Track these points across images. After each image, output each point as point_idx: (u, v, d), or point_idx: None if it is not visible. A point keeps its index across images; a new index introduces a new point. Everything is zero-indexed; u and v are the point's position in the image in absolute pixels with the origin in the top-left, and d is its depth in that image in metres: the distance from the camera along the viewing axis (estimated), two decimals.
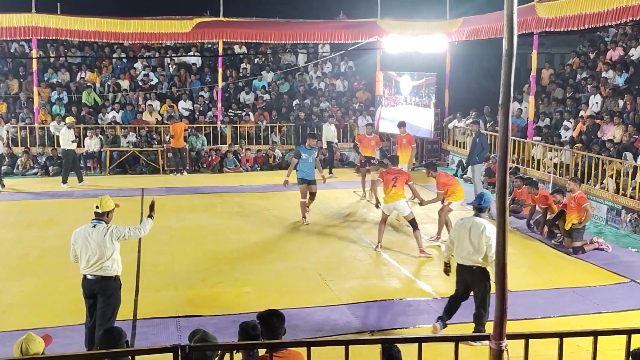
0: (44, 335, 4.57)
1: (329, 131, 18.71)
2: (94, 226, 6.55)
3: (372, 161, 14.56)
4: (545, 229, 11.63)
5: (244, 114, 20.29)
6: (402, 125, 15.10)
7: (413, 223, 10.49)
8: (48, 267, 9.70)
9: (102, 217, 6.62)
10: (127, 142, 18.32)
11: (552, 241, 11.37)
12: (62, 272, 9.50)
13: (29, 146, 18.16)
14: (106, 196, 6.84)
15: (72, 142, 15.98)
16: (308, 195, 12.51)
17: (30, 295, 8.30)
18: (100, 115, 19.51)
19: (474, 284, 7.09)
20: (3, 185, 15.55)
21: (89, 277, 6.55)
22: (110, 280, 6.57)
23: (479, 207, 7.37)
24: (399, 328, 7.55)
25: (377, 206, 12.28)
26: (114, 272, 6.57)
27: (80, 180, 16.18)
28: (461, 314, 8.01)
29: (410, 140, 14.86)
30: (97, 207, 6.65)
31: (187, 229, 12.08)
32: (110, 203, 6.74)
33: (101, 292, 6.52)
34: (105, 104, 20.01)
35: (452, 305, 7.35)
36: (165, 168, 18.18)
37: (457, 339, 3.79)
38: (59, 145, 18.26)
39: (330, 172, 17.64)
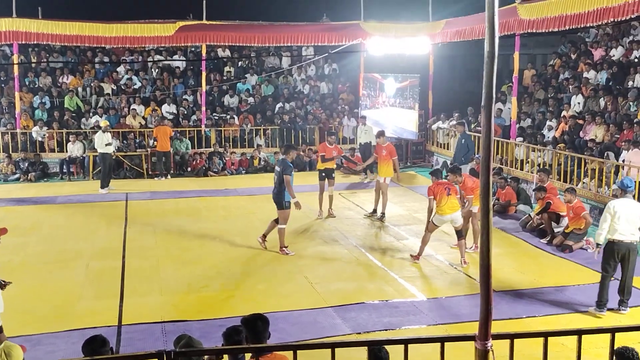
0: (21, 345, 4.54)
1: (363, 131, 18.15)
2: None
3: (333, 175, 13.63)
4: (560, 239, 11.18)
5: (228, 117, 20.23)
6: (381, 134, 13.56)
7: (460, 233, 10.17)
8: (30, 274, 9.59)
9: None
10: (112, 146, 18.15)
11: (542, 240, 11.47)
12: (45, 278, 9.42)
13: (10, 152, 17.97)
14: None
15: (107, 145, 15.88)
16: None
17: (13, 301, 8.17)
18: (83, 119, 19.36)
19: (632, 257, 8.03)
20: None
21: None
22: None
23: (628, 189, 8.22)
24: (386, 330, 7.55)
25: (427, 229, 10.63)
26: None
27: (103, 186, 15.88)
28: (448, 315, 8.04)
29: (391, 151, 13.22)
30: None
31: (172, 233, 12.01)
32: None
33: None
34: (87, 108, 19.85)
35: (606, 286, 8.09)
36: (150, 172, 18.07)
37: (442, 340, 3.79)
38: (42, 151, 18.20)
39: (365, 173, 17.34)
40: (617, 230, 7.94)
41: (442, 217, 10.07)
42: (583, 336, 3.84)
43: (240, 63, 22.67)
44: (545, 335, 3.86)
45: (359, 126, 18.58)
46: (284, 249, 10.68)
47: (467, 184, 10.71)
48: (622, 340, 4.22)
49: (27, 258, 10.40)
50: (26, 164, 17.66)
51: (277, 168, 10.80)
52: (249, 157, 19.03)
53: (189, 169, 18.48)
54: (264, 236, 10.90)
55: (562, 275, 9.71)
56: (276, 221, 10.73)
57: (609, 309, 8.10)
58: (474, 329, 3.76)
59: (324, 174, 13.50)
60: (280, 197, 10.55)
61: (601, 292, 8.09)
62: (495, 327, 3.72)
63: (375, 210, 13.35)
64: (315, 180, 13.69)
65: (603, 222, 8.01)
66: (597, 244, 8.28)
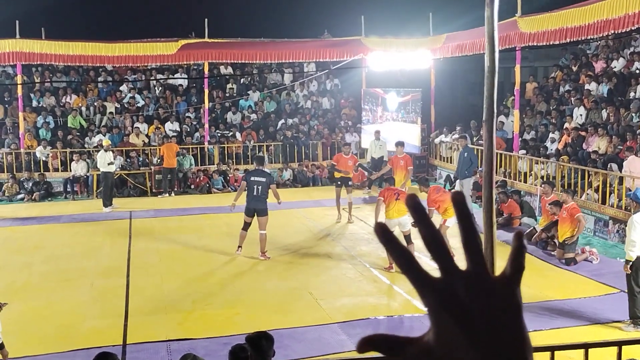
0: None
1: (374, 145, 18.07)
2: None
3: (350, 182, 14.13)
4: (559, 252, 11.11)
5: (230, 134, 20.29)
6: (400, 144, 14.75)
7: (408, 239, 10.27)
8: (34, 293, 9.59)
9: None
10: (115, 165, 18.22)
11: (545, 251, 11.44)
12: (49, 298, 9.41)
13: (15, 172, 18.03)
14: None
15: (109, 164, 15.97)
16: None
17: (17, 321, 8.18)
18: (87, 138, 19.43)
19: None
20: None
21: None
22: None
23: None
24: None
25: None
26: None
27: (106, 204, 15.91)
28: None
29: (407, 162, 14.46)
30: None
31: (175, 250, 12.00)
32: None
33: None
34: (91, 127, 19.94)
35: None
36: (154, 190, 18.11)
37: None
38: (46, 170, 18.26)
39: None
40: None
41: (389, 220, 10.23)
42: (590, 349, 3.82)
43: (242, 80, 22.78)
44: (552, 349, 3.83)
45: (373, 140, 18.45)
46: (266, 254, 11.20)
47: (431, 196, 10.90)
48: (629, 352, 4.19)
49: (32, 277, 10.40)
50: (30, 184, 17.70)
51: (259, 179, 11.14)
52: None
53: (192, 186, 18.50)
54: (262, 252, 11.22)
55: (568, 287, 9.66)
56: (245, 229, 11.24)
57: (615, 322, 8.05)
58: None
59: (339, 182, 14.09)
60: (266, 204, 11.13)
61: (634, 308, 7.95)
62: None
63: None
64: (318, 196, 13.83)
65: (634, 238, 7.78)
66: (627, 261, 7.97)
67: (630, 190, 11.10)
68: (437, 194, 10.97)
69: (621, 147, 13.87)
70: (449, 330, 0.62)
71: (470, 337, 0.61)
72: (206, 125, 19.84)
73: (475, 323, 0.62)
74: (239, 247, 11.35)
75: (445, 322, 0.62)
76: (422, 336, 0.64)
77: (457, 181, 15.93)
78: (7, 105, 20.09)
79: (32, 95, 20.56)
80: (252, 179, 11.18)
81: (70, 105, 20.40)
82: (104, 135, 19.05)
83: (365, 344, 0.63)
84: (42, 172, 18.09)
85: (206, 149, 19.64)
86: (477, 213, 14.32)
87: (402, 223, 10.29)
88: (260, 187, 11.06)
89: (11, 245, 12.45)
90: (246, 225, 11.26)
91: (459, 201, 0.67)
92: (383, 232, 0.64)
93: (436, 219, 11.31)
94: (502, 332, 0.62)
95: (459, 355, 0.61)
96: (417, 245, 10.97)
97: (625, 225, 11.86)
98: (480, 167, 16.22)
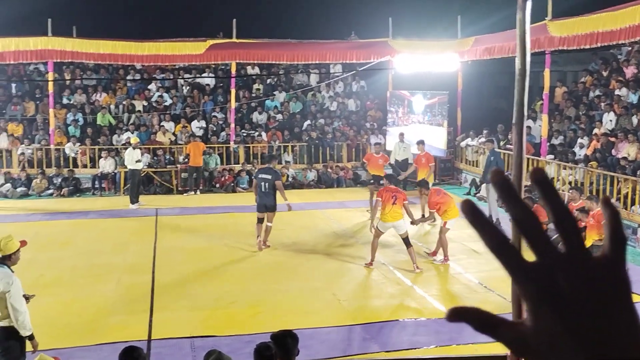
0: (54, 357, 4.62)
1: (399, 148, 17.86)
2: None
3: (381, 181, 14.37)
4: None
5: (256, 134, 20.40)
6: (421, 142, 15.30)
7: (407, 241, 10.50)
8: (62, 288, 9.75)
9: (4, 260, 5.90)
10: (142, 163, 18.42)
11: None
12: (77, 292, 9.57)
13: (44, 167, 18.35)
14: (9, 236, 6.10)
15: (137, 161, 16.18)
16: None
17: (45, 315, 8.31)
18: (115, 136, 19.70)
19: None
20: None
21: None
22: (7, 332, 5.88)
23: None
24: (415, 348, 7.49)
25: (371, 230, 11.48)
26: (8, 322, 5.85)
27: (133, 201, 16.15)
28: (478, 334, 7.94)
29: (429, 159, 14.98)
30: None
31: (200, 249, 12.10)
32: (12, 244, 5.98)
33: None
34: (119, 125, 20.21)
35: None
36: (179, 188, 18.29)
37: (475, 359, 3.76)
38: (75, 167, 18.55)
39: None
40: None
41: (384, 223, 10.46)
42: None
43: (269, 80, 22.89)
44: None
45: (397, 143, 18.37)
46: (267, 243, 11.85)
47: (432, 198, 11.06)
48: None
49: (60, 272, 10.58)
50: (59, 180, 18.00)
51: (265, 176, 11.75)
52: None
53: (217, 185, 18.64)
54: (264, 242, 11.85)
55: None
56: (260, 223, 11.80)
57: None
58: (504, 349, 3.72)
59: (372, 180, 15.04)
60: (274, 201, 11.69)
61: None
62: None
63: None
64: (342, 197, 13.92)
65: None
66: None
67: None
68: (438, 196, 11.13)
69: None
70: (548, 321, 0.57)
71: (571, 329, 0.56)
72: (232, 125, 19.98)
73: (577, 313, 0.56)
74: (257, 236, 11.87)
75: (544, 312, 0.57)
76: (521, 322, 0.59)
77: (483, 185, 15.84)
78: (38, 102, 20.46)
79: (63, 92, 20.90)
80: (260, 176, 11.89)
81: (99, 103, 20.70)
82: (132, 133, 19.29)
83: (456, 315, 0.60)
84: (71, 168, 18.38)
85: (232, 149, 19.77)
86: (503, 218, 14.30)
87: (397, 227, 10.44)
88: (267, 184, 11.65)
89: (40, 240, 12.64)
90: (260, 220, 11.88)
91: (540, 179, 0.62)
92: (471, 211, 0.59)
93: (431, 222, 11.26)
94: (609, 321, 0.56)
95: (558, 349, 0.56)
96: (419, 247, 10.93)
97: None
98: (508, 171, 16.12)
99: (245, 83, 22.39)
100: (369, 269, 10.72)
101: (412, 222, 10.85)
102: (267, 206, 11.68)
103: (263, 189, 11.66)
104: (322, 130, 20.77)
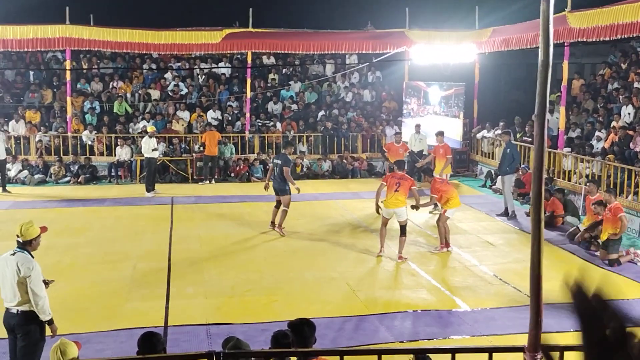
0: (75, 342, 4.68)
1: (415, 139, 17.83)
2: (14, 254, 5.90)
3: (391, 166, 14.44)
4: (603, 252, 10.89)
5: (271, 123, 20.41)
6: (440, 134, 15.33)
7: (404, 229, 10.73)
8: (79, 274, 9.87)
9: (25, 245, 5.93)
10: (158, 151, 18.52)
11: (588, 251, 11.27)
12: (93, 278, 9.67)
13: (61, 155, 18.51)
14: (30, 222, 6.09)
15: (154, 150, 16.32)
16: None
17: (63, 301, 8.43)
18: (131, 124, 19.81)
19: None
20: (5, 190, 15.96)
21: (8, 310, 5.98)
22: (27, 316, 5.91)
23: None
24: (429, 339, 7.50)
25: (377, 212, 11.78)
26: (28, 307, 5.90)
27: (149, 190, 16.28)
28: (493, 326, 7.94)
29: (446, 150, 15.03)
30: (17, 235, 5.94)
31: (216, 237, 12.17)
32: (33, 230, 5.98)
33: (18, 329, 5.94)
34: (135, 113, 20.31)
35: None
36: (195, 177, 18.38)
37: (491, 350, 3.76)
38: (92, 154, 18.70)
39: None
40: None
41: (387, 209, 10.73)
42: None
43: (284, 70, 22.87)
44: None
45: (413, 134, 18.30)
46: (282, 228, 12.29)
47: (435, 184, 11.27)
48: None
49: (77, 259, 10.69)
50: (76, 167, 18.15)
51: (277, 161, 12.30)
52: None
53: (232, 175, 18.71)
54: (273, 223, 12.45)
55: (610, 289, 9.44)
56: (277, 207, 12.38)
57: None
58: (519, 341, 3.74)
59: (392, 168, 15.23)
60: (283, 185, 12.13)
61: None
62: (542, 340, 3.67)
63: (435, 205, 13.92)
64: (356, 188, 13.96)
65: None
66: None
67: None
68: (441, 184, 11.38)
69: None
70: None
71: None
72: (247, 115, 20.01)
73: None
74: (272, 221, 12.50)
75: None
76: None
77: (499, 177, 15.76)
78: (55, 90, 20.60)
79: (79, 80, 21.02)
80: (274, 161, 12.55)
81: (116, 91, 20.80)
82: (148, 122, 19.38)
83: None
84: (87, 156, 18.52)
85: (247, 138, 19.81)
86: (519, 210, 14.24)
87: (398, 213, 10.66)
88: (277, 169, 12.21)
89: (57, 227, 12.77)
90: (277, 203, 12.44)
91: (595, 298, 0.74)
92: (579, 297, 0.69)
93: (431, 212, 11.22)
94: None
95: None
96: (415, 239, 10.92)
97: None
98: (524, 163, 16.04)
99: (260, 73, 22.39)
100: (380, 258, 10.80)
101: (413, 207, 10.95)
102: (276, 190, 12.26)
103: (274, 174, 12.29)
104: (337, 121, 20.74)
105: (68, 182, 17.80)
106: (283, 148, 13.43)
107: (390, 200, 10.63)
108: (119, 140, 18.57)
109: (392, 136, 16.95)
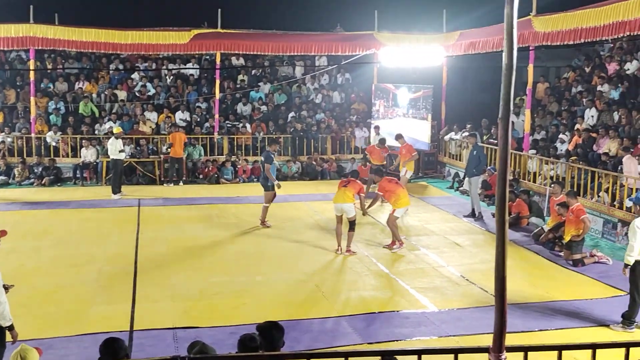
0: (36, 348, 4.57)
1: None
2: None
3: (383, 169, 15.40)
4: (566, 253, 11.07)
5: (240, 125, 20.31)
6: (399, 137, 15.95)
7: (352, 225, 11.18)
8: (43, 278, 9.66)
9: None
10: (125, 153, 18.27)
11: (552, 251, 11.44)
12: (57, 282, 9.49)
13: (25, 156, 18.13)
14: None
15: (120, 152, 16.16)
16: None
17: (25, 306, 8.26)
18: (97, 125, 19.50)
19: None
20: None
21: None
22: None
23: None
24: (397, 340, 7.53)
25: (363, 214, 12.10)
26: None
27: (115, 191, 16.06)
28: (459, 327, 8.01)
29: (409, 149, 15.59)
30: None
31: (183, 240, 12.05)
32: None
33: None
34: (102, 114, 20.01)
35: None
36: (162, 178, 18.18)
37: (456, 351, 3.78)
38: (56, 156, 18.35)
39: None
40: None
41: (334, 205, 11.28)
42: (597, 350, 3.82)
43: (253, 72, 22.78)
44: (560, 348, 3.83)
45: (373, 136, 18.69)
46: (265, 222, 13.01)
47: (382, 183, 11.71)
48: (636, 354, 4.19)
49: (40, 262, 10.48)
50: (40, 169, 17.80)
51: (261, 158, 13.22)
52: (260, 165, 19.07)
53: (201, 176, 18.57)
54: (262, 221, 13.05)
55: (574, 288, 9.65)
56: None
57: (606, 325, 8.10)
58: (485, 341, 3.76)
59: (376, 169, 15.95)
60: (265, 181, 12.87)
61: (633, 311, 7.98)
62: (508, 340, 3.70)
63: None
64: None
65: (634, 242, 7.77)
66: (626, 265, 7.94)
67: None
68: (390, 184, 11.68)
69: (632, 150, 13.82)
70: None
71: None
72: (216, 116, 19.87)
73: None
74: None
75: None
76: None
77: (466, 179, 15.94)
78: (19, 90, 20.18)
79: (43, 80, 20.62)
80: (260, 159, 13.47)
81: (82, 91, 20.46)
82: (114, 123, 19.12)
83: None
84: (52, 157, 18.18)
85: (215, 140, 19.67)
86: (485, 211, 14.40)
87: (344, 209, 11.10)
88: (261, 166, 13.09)
89: (20, 229, 12.52)
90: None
91: None
92: None
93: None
94: None
95: None
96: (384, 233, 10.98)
97: None
98: (491, 165, 16.25)
99: (229, 74, 22.27)
100: (345, 256, 11.08)
101: (363, 213, 11.76)
102: (261, 184, 13.12)
103: (262, 170, 13.11)
104: (307, 122, 20.74)
105: (32, 184, 17.45)
106: (268, 145, 14.33)
107: (337, 195, 11.21)
108: (84, 141, 18.27)
109: (376, 139, 18.00)
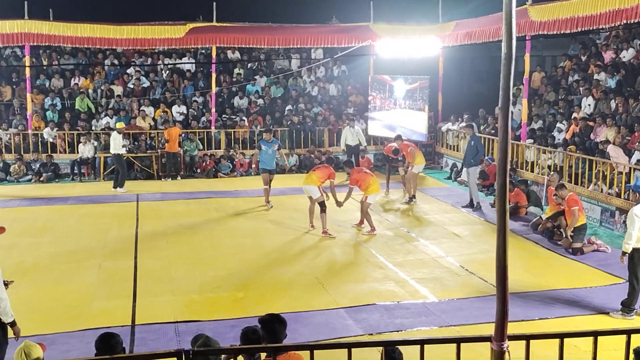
0: (39, 343, 4.58)
1: (350, 134, 18.79)
2: None
3: (394, 164, 16.16)
4: (566, 241, 11.10)
5: (237, 118, 20.28)
6: (397, 138, 15.54)
7: (322, 205, 11.85)
8: (43, 274, 9.67)
9: None
10: (126, 148, 18.22)
11: (551, 240, 11.47)
12: (58, 278, 9.49)
13: (22, 153, 18.09)
14: None
15: (122, 147, 16.33)
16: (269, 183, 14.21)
17: (26, 302, 8.26)
18: (94, 121, 19.46)
19: None
20: None
21: None
22: None
23: None
24: (398, 331, 7.56)
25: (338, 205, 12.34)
26: None
27: (115, 186, 16.15)
28: (460, 317, 8.04)
29: (408, 145, 15.38)
30: None
31: (182, 234, 12.06)
32: None
33: None
34: (98, 109, 19.97)
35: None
36: (160, 173, 18.16)
37: (459, 341, 3.80)
38: (53, 152, 18.31)
39: None
40: None
41: (303, 186, 12.10)
42: (599, 337, 3.85)
43: (249, 65, 22.73)
44: (561, 336, 3.86)
45: (348, 128, 18.79)
46: (267, 204, 14.06)
47: (353, 175, 12.30)
48: (638, 341, 4.21)
49: (40, 258, 10.48)
50: (38, 165, 17.78)
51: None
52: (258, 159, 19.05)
53: (199, 171, 18.56)
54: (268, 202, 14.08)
55: (574, 277, 9.69)
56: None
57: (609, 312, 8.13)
58: (486, 330, 3.78)
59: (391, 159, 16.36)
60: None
61: (632, 298, 8.00)
62: (509, 329, 3.73)
63: (412, 197, 14.95)
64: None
65: (632, 230, 7.77)
66: (624, 253, 7.97)
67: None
68: (358, 174, 12.19)
69: (629, 138, 13.84)
70: None
71: None
72: (213, 110, 19.84)
73: None
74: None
75: None
76: None
77: (464, 169, 15.95)
78: (15, 87, 20.11)
79: (39, 77, 20.55)
80: None
81: (78, 87, 20.40)
82: (111, 118, 19.08)
83: None
84: (49, 153, 18.15)
85: (212, 134, 19.65)
86: (484, 201, 14.43)
87: (309, 190, 11.86)
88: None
89: (19, 226, 12.52)
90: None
91: None
92: None
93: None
94: None
95: None
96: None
97: None
98: (488, 155, 16.27)
99: (225, 68, 22.21)
100: (332, 238, 11.68)
101: (338, 205, 12.16)
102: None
103: None
104: (304, 115, 20.71)
105: (29, 180, 17.43)
106: (261, 135, 15.55)
107: (305, 178, 12.16)
108: (81, 137, 18.24)
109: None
